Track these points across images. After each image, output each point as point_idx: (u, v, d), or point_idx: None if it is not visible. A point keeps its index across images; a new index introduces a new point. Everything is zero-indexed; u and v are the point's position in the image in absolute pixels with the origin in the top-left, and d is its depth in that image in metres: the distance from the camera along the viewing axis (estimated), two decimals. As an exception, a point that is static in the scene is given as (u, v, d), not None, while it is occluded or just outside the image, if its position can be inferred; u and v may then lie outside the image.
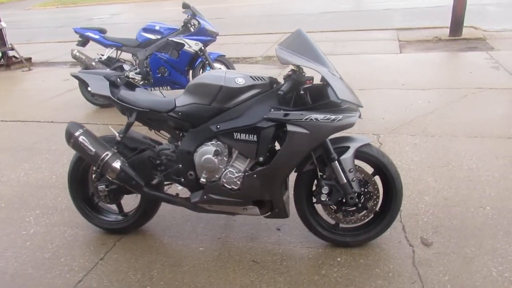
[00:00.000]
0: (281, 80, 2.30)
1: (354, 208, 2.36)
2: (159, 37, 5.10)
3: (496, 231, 2.49)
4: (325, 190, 2.29)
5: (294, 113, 2.15)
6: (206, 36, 5.08)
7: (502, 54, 6.25)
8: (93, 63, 5.07)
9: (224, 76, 2.28)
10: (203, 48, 5.09)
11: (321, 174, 2.33)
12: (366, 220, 2.42)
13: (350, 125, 2.17)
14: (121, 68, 5.25)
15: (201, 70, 5.25)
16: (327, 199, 2.31)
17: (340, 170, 2.25)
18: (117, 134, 2.50)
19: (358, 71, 6.03)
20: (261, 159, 2.24)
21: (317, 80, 2.24)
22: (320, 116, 2.13)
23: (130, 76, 5.18)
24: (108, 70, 2.59)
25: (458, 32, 7.30)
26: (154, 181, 2.44)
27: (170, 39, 5.02)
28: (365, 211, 2.38)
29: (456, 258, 2.30)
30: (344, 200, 2.32)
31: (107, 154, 2.40)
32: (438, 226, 2.57)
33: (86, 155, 2.43)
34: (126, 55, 5.35)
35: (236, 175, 2.29)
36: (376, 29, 8.64)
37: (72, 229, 2.82)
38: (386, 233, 2.49)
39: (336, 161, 2.25)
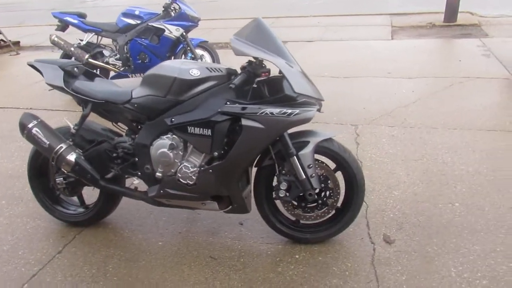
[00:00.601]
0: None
1: (314, 204, 2.30)
2: (139, 22, 4.97)
3: (462, 229, 2.43)
4: (283, 186, 2.22)
5: (249, 107, 2.07)
6: (187, 21, 4.95)
7: (495, 41, 6.09)
8: (72, 49, 4.97)
9: (178, 67, 2.19)
10: (184, 33, 4.97)
11: (280, 169, 2.26)
12: (327, 216, 2.36)
13: (307, 120, 2.09)
14: (101, 54, 5.15)
15: (183, 56, 5.14)
16: (286, 195, 2.24)
17: (299, 165, 2.18)
18: (71, 126, 2.42)
19: (346, 58, 5.90)
20: (215, 154, 2.16)
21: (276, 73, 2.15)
22: (275, 110, 2.04)
23: (110, 62, 5.09)
24: (65, 60, 2.49)
25: (453, 18, 7.12)
26: (109, 175, 2.38)
27: (150, 24, 4.91)
28: (325, 208, 2.31)
29: (416, 257, 2.24)
30: (303, 196, 2.26)
31: (61, 147, 2.34)
32: (403, 222, 2.51)
33: (40, 147, 2.37)
34: (107, 41, 5.24)
35: (191, 170, 2.22)
36: (369, 14, 8.46)
37: (34, 221, 2.78)
38: (349, 229, 2.44)
39: (295, 156, 2.17)
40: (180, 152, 2.25)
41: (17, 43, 8.35)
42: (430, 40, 6.56)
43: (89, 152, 2.43)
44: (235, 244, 2.45)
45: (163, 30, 4.91)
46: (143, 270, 2.30)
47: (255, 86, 2.09)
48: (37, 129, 2.35)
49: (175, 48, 5.11)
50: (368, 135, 3.60)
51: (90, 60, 5.01)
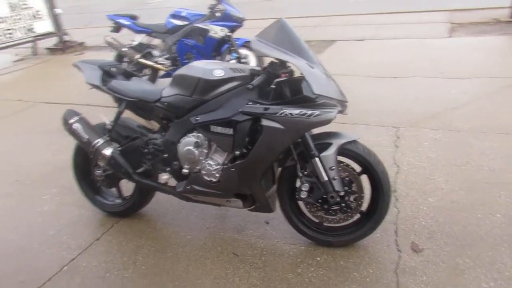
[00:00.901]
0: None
1: (337, 207, 2.26)
2: (186, 23, 5.15)
3: (500, 242, 2.27)
4: (305, 187, 2.21)
5: (269, 107, 2.08)
6: (232, 21, 5.04)
7: None
8: (124, 49, 5.25)
9: (203, 67, 2.26)
10: (229, 33, 5.06)
11: (302, 170, 2.25)
12: (351, 220, 2.32)
13: (327, 121, 2.06)
14: (151, 54, 5.39)
15: (228, 56, 5.24)
16: (308, 197, 2.23)
17: (321, 167, 2.16)
18: (107, 122, 2.58)
19: (397, 57, 5.69)
20: (237, 153, 2.21)
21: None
22: (295, 111, 2.04)
23: (159, 61, 5.30)
24: (105, 60, 2.66)
25: (521, 12, 6.58)
26: (141, 169, 2.51)
27: (195, 25, 5.05)
28: (348, 211, 2.27)
29: (444, 268, 2.14)
30: (325, 199, 2.23)
31: (98, 142, 2.50)
32: (435, 231, 2.39)
33: (80, 141, 2.55)
34: (158, 41, 5.47)
35: (215, 167, 2.28)
36: (427, 11, 8.04)
37: (79, 210, 2.99)
38: (376, 235, 2.38)
39: (317, 158, 2.16)
40: (204, 150, 2.31)
41: (82, 44, 8.96)
42: (492, 37, 6.12)
43: (124, 147, 2.57)
44: (259, 242, 2.48)
45: (208, 31, 5.03)
46: (170, 262, 2.40)
47: (274, 87, 2.10)
48: (78, 124, 2.53)
49: (220, 47, 5.21)
50: (409, 138, 3.46)
51: (141, 60, 5.26)
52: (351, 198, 2.26)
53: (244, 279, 2.21)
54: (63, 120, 2.58)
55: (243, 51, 5.25)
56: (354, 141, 2.21)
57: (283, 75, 2.09)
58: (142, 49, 5.37)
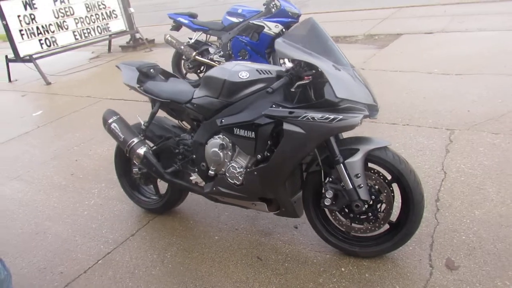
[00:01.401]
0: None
1: (364, 216, 2.14)
2: (241, 20, 5.17)
3: (552, 265, 2.00)
4: (329, 194, 2.12)
5: (291, 111, 2.02)
6: (287, 17, 4.96)
7: None
8: (182, 47, 5.42)
9: (229, 69, 2.25)
10: (284, 30, 5.00)
11: (328, 177, 2.15)
12: (379, 231, 2.18)
13: (351, 127, 1.95)
14: (207, 51, 5.50)
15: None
16: (332, 204, 2.13)
17: (346, 174, 2.05)
18: (142, 122, 2.67)
19: (466, 52, 5.26)
20: (259, 156, 2.17)
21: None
22: (317, 115, 1.96)
23: (215, 58, 5.39)
24: (145, 62, 2.75)
25: None
26: (170, 169, 2.56)
27: (251, 22, 5.05)
28: (376, 221, 2.13)
29: (480, 290, 1.93)
30: (351, 207, 2.12)
31: (133, 141, 2.60)
32: (475, 248, 2.17)
33: (118, 140, 2.67)
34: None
35: (238, 170, 2.27)
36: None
37: (121, 204, 3.14)
38: (409, 247, 2.22)
39: (342, 164, 2.05)
40: (229, 152, 2.31)
41: (151, 41, 9.41)
42: None
43: (157, 147, 2.65)
44: (284, 247, 2.42)
45: (263, 27, 5.01)
46: (195, 262, 2.43)
47: (293, 90, 2.02)
48: (115, 124, 2.65)
49: (274, 44, 5.17)
50: (463, 142, 3.17)
51: (197, 57, 5.40)
52: (379, 208, 2.12)
53: (263, 285, 2.18)
54: (103, 120, 2.72)
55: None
56: (383, 148, 2.07)
57: (305, 78, 2.01)
58: (199, 46, 5.50)
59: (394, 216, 2.17)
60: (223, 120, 2.25)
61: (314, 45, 2.04)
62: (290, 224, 2.60)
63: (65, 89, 6.77)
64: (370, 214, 2.13)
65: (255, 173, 2.21)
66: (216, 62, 5.39)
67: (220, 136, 2.32)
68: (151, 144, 2.70)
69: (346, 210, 2.17)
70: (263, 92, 2.14)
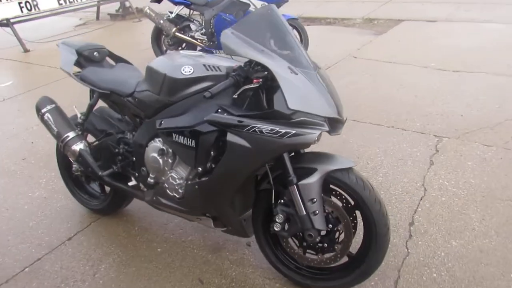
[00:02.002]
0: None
1: (319, 246, 1.82)
2: (223, -5, 4.73)
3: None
4: (279, 218, 1.79)
5: (238, 119, 1.66)
6: (273, -4, 4.54)
7: None
8: (161, 21, 5.00)
9: (171, 63, 1.88)
10: (271, 10, 4.57)
11: (280, 198, 1.82)
12: (336, 263, 1.86)
13: (305, 145, 1.62)
14: (189, 28, 5.08)
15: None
16: (282, 230, 1.81)
17: (299, 197, 1.72)
18: (79, 115, 2.33)
19: (468, 45, 4.87)
20: (199, 169, 1.83)
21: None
22: (266, 128, 1.61)
23: (196, 36, 4.99)
24: (88, 43, 2.37)
25: None
26: (107, 172, 2.23)
27: (236, -1, 4.63)
28: (332, 253, 1.82)
29: None
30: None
31: (68, 136, 2.26)
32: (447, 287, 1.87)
33: (51, 133, 2.33)
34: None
35: (178, 182, 1.94)
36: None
37: (66, 200, 2.82)
38: (370, 282, 1.92)
39: (295, 186, 1.72)
40: (169, 160, 1.98)
41: (141, 11, 8.92)
42: None
43: (96, 143, 2.31)
44: (231, 269, 2.12)
45: (248, 5, 4.61)
46: (129, 278, 2.14)
47: (236, 96, 1.66)
48: (49, 115, 2.30)
49: (260, 26, 4.75)
50: (450, 153, 2.84)
51: (177, 33, 4.99)
52: (337, 239, 1.80)
53: (198, 316, 1.89)
54: (36, 108, 2.37)
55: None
56: (347, 169, 1.73)
57: (254, 81, 1.64)
58: (180, 22, 5.08)
59: (355, 247, 1.85)
60: (162, 122, 1.90)
61: (269, 40, 1.68)
62: (243, 241, 2.29)
63: (43, 59, 6.35)
64: (326, 244, 1.81)
65: (196, 187, 1.88)
66: (198, 40, 5.00)
67: (160, 140, 1.98)
68: (93, 139, 2.37)
69: (298, 238, 1.85)
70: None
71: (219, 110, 1.74)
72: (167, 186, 1.98)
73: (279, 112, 1.59)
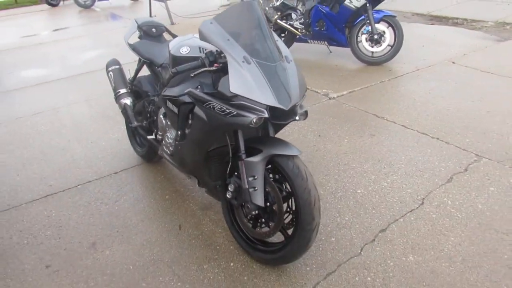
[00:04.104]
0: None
1: (258, 220, 2.04)
2: (327, -13, 4.84)
3: None
4: (231, 187, 2.07)
5: (201, 95, 1.97)
6: (372, -9, 4.49)
7: None
8: (266, 8, 5.38)
9: (178, 42, 2.27)
10: (368, 5, 4.54)
11: (236, 171, 2.09)
12: (271, 239, 2.06)
13: (241, 125, 1.84)
14: (290, 16, 5.35)
15: (359, 30, 4.74)
16: (232, 198, 2.08)
17: (244, 173, 1.97)
18: (128, 77, 2.89)
19: None
20: (179, 132, 2.20)
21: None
22: (217, 106, 1.88)
23: (295, 25, 5.24)
24: (151, 20, 2.89)
25: None
26: (135, 124, 2.76)
27: (333, -10, 4.71)
28: (266, 229, 2.02)
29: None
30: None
31: (119, 91, 2.86)
32: (370, 294, 1.90)
33: (111, 87, 2.96)
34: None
35: (170, 140, 2.35)
36: None
37: (129, 144, 3.50)
38: (306, 267, 2.08)
39: (242, 162, 1.97)
40: (168, 122, 2.39)
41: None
42: None
43: (140, 101, 2.86)
44: (206, 225, 2.47)
45: (344, -1, 4.64)
46: (134, 210, 2.65)
47: (192, 76, 1.94)
48: (112, 73, 2.93)
49: (355, 19, 4.76)
50: (478, 175, 2.61)
51: (278, 20, 5.31)
52: (271, 217, 1.99)
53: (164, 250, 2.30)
54: (106, 66, 3.02)
55: (380, 27, 4.67)
56: (288, 156, 1.90)
57: (215, 65, 1.92)
58: (284, 9, 5.39)
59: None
60: (165, 90, 2.32)
61: (240, 31, 1.92)
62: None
63: (181, 31, 7.38)
64: (263, 219, 2.02)
65: (179, 147, 2.26)
66: (295, 28, 5.23)
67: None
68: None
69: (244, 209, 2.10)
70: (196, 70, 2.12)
71: (199, 87, 2.07)
72: (164, 143, 2.42)
73: (221, 93, 1.84)
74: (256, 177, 1.93)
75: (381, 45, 4.66)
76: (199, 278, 2.09)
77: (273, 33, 2.04)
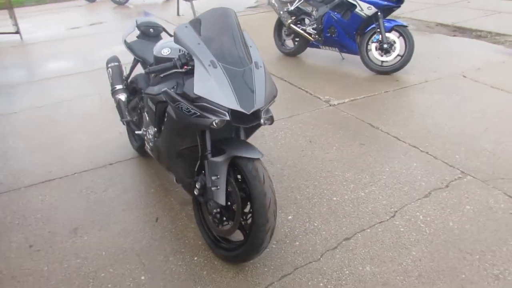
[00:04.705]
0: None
1: (219, 217, 2.12)
2: (341, -7, 4.85)
3: None
4: (197, 185, 2.16)
5: (173, 95, 2.07)
6: (382, 0, 4.46)
7: None
8: (281, 12, 5.44)
9: (161, 43, 2.38)
10: (379, 13, 4.53)
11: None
12: (230, 237, 2.13)
13: (204, 126, 1.92)
14: (304, 21, 5.38)
15: (369, 38, 4.72)
16: (198, 195, 2.17)
17: (208, 172, 2.05)
18: (124, 74, 3.04)
19: None
20: (155, 129, 2.31)
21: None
22: (184, 106, 1.98)
23: (307, 30, 5.27)
24: (150, 20, 3.03)
25: None
26: (125, 119, 2.90)
27: (345, -2, 4.71)
28: (225, 227, 2.10)
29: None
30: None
31: (115, 87, 3.02)
32: (319, 299, 1.93)
33: (109, 82, 3.12)
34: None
35: (150, 136, 2.47)
36: None
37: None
38: (264, 268, 2.14)
39: (206, 161, 2.05)
40: (148, 118, 2.51)
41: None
42: None
43: (134, 97, 3.01)
44: (181, 220, 2.57)
45: (355, 6, 4.64)
46: (122, 198, 2.79)
47: (162, 76, 2.03)
48: (111, 69, 3.09)
49: (365, 27, 4.74)
50: (458, 192, 2.58)
51: (292, 25, 5.36)
52: (232, 216, 2.07)
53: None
54: (106, 62, 3.19)
55: (391, 36, 4.63)
56: (249, 159, 1.97)
57: (185, 67, 2.01)
58: (298, 14, 5.43)
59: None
60: (147, 89, 2.44)
61: (213, 36, 2.00)
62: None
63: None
64: (224, 218, 2.10)
65: (156, 143, 2.38)
66: (307, 34, 5.25)
67: (148, 101, 2.53)
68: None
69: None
70: (174, 72, 2.22)
71: (174, 87, 2.17)
72: (146, 138, 2.54)
73: (186, 94, 1.94)
74: (218, 176, 2.01)
75: (390, 54, 4.63)
76: (162, 269, 2.19)
77: (247, 39, 2.11)
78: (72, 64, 6.15)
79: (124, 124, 3.36)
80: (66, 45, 7.36)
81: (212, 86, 1.89)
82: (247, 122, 1.96)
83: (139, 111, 2.91)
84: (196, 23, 2.07)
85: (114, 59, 3.19)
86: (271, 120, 2.04)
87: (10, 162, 3.43)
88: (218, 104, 1.88)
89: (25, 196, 2.94)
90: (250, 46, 2.10)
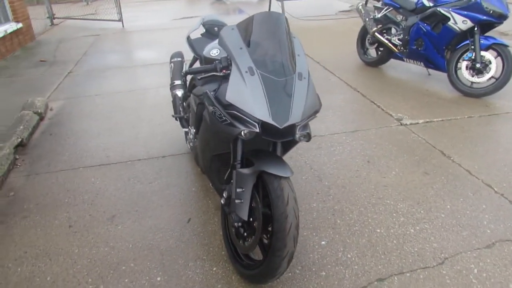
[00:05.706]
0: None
1: (242, 232, 2.01)
2: (431, 4, 4.41)
3: None
4: (225, 194, 2.07)
5: (210, 99, 1.99)
6: (481, 14, 3.98)
7: None
8: (367, 19, 5.14)
9: (213, 43, 2.33)
10: (476, 29, 4.04)
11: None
12: (250, 254, 2.00)
13: (231, 135, 1.82)
14: (390, 30, 5.02)
15: (460, 55, 4.23)
16: (225, 205, 2.08)
17: (234, 182, 1.95)
18: (184, 71, 3.04)
19: None
20: (194, 130, 2.27)
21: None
22: (218, 111, 1.90)
23: (392, 40, 4.91)
24: (216, 20, 2.99)
25: None
26: (176, 115, 2.90)
27: (439, 9, 4.27)
28: (245, 244, 1.98)
29: None
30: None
31: (174, 82, 3.04)
32: None
33: (170, 76, 3.16)
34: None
35: (191, 136, 2.44)
36: None
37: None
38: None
39: (234, 171, 1.95)
40: (191, 118, 2.47)
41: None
42: None
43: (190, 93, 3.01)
44: (213, 224, 2.50)
45: (448, 19, 4.19)
46: (158, 195, 2.82)
47: (199, 78, 1.96)
48: (173, 64, 3.12)
49: (458, 43, 4.26)
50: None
51: (376, 34, 5.04)
52: (251, 233, 1.94)
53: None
54: (170, 57, 3.23)
55: (487, 55, 4.11)
56: (276, 176, 1.82)
57: (223, 71, 1.92)
58: (385, 22, 5.08)
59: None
60: (196, 89, 2.40)
61: (258, 41, 1.89)
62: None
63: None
64: (245, 233, 1.97)
65: (195, 143, 2.33)
66: (392, 44, 4.89)
67: (197, 100, 2.49)
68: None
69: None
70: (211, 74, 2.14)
71: (215, 90, 2.10)
72: (188, 137, 2.51)
73: (219, 99, 1.84)
74: (243, 189, 1.90)
75: (483, 75, 4.10)
76: (179, 274, 2.14)
77: (297, 47, 1.96)
78: (161, 54, 6.46)
79: (176, 119, 3.40)
80: (160, 36, 7.77)
81: (245, 94, 1.77)
82: (279, 137, 1.81)
83: (188, 108, 2.90)
84: (245, 26, 1.97)
85: (178, 54, 3.22)
86: (308, 137, 1.87)
87: (79, 141, 3.66)
88: (249, 114, 1.76)
89: (81, 176, 3.10)
90: (298, 55, 1.95)
